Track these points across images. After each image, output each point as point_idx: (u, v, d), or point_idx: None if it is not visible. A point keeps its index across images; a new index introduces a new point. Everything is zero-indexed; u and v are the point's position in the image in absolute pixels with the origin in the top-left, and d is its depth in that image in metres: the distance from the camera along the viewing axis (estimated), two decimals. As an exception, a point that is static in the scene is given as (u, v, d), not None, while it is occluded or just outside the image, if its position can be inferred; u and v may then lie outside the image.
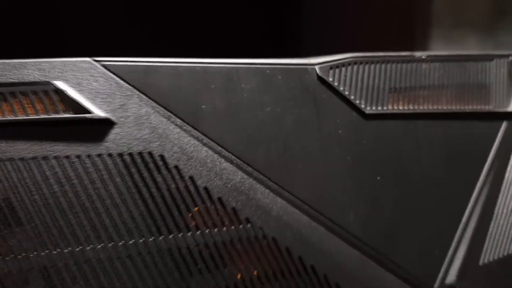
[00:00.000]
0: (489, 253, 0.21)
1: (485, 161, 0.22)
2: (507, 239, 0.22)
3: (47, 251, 0.13)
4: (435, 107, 0.21)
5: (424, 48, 0.38)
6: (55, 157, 0.14)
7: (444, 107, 0.21)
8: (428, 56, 0.21)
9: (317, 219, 0.17)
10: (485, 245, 0.21)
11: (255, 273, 0.16)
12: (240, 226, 0.16)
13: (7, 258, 0.13)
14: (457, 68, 0.22)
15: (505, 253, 0.21)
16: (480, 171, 0.21)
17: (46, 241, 0.13)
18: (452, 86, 0.22)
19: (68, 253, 0.13)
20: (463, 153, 0.21)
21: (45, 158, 0.14)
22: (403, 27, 0.40)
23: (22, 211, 0.13)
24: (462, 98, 0.22)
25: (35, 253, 0.13)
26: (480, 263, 0.21)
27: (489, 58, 0.23)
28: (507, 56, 0.23)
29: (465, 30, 0.38)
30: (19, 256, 0.13)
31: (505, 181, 0.22)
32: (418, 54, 0.21)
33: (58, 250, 0.13)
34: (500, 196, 0.22)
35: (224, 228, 0.16)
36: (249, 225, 0.16)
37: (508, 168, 0.22)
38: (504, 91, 0.23)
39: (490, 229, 0.21)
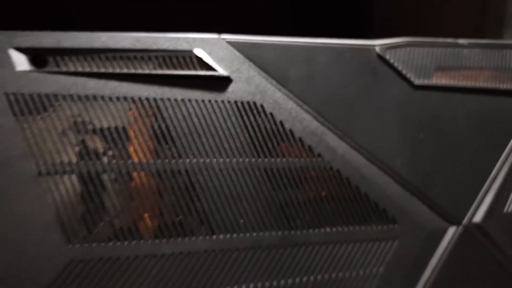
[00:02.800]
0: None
1: (516, 130, 0.27)
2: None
3: (188, 160, 0.20)
4: (472, 83, 0.26)
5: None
6: (196, 100, 0.21)
7: (481, 84, 0.26)
8: (469, 43, 0.26)
9: (371, 160, 0.23)
10: (511, 196, 0.26)
11: (323, 194, 0.22)
12: (314, 159, 0.22)
13: (165, 161, 0.20)
14: (495, 53, 0.27)
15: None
16: (510, 138, 0.26)
17: (188, 153, 0.20)
18: (489, 68, 0.27)
19: (202, 162, 0.20)
20: (494, 122, 0.26)
21: (189, 100, 0.21)
22: (475, 26, 0.44)
23: (174, 132, 0.20)
24: (497, 78, 0.27)
25: (181, 160, 0.20)
26: (505, 210, 0.26)
27: (526, 46, 0.27)
28: (542, 45, 0.28)
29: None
30: (172, 161, 0.20)
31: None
32: (461, 41, 0.26)
33: (195, 160, 0.20)
34: (528, 159, 0.27)
35: (302, 159, 0.22)
36: (320, 159, 0.22)
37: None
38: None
39: (516, 185, 0.26)
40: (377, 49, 0.24)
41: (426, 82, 0.25)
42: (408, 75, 0.24)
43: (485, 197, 0.25)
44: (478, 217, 0.25)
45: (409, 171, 0.24)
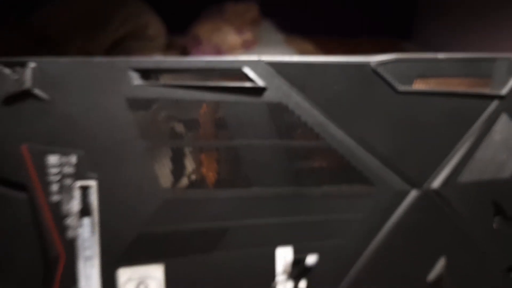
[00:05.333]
0: (465, 176, 0.36)
1: (478, 119, 0.36)
2: (477, 170, 0.36)
3: (236, 140, 0.32)
4: (445, 88, 0.35)
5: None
6: (242, 102, 0.32)
7: (453, 89, 0.35)
8: (446, 58, 0.35)
9: (360, 143, 0.34)
10: (464, 169, 0.36)
11: (325, 164, 0.34)
12: (319, 141, 0.33)
13: (222, 140, 0.32)
14: (466, 65, 0.36)
15: (474, 179, 0.36)
16: (472, 125, 0.36)
17: (236, 135, 0.32)
18: (460, 75, 0.36)
19: (245, 142, 0.32)
20: (460, 115, 0.35)
21: (239, 102, 0.32)
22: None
23: (228, 122, 0.32)
24: (466, 84, 0.36)
25: (231, 140, 0.32)
26: (457, 180, 0.36)
27: (494, 60, 0.36)
28: (508, 59, 0.36)
29: None
30: (226, 140, 0.32)
31: (489, 133, 0.36)
32: (439, 55, 0.35)
33: (241, 140, 0.32)
34: (482, 144, 0.36)
35: (311, 141, 0.33)
36: (323, 141, 0.33)
37: (496, 123, 0.36)
38: (501, 81, 0.36)
39: (469, 162, 0.36)
40: (372, 64, 0.34)
41: (407, 88, 0.34)
42: (393, 83, 0.34)
43: (443, 169, 0.36)
44: (436, 184, 0.36)
45: (387, 151, 0.34)
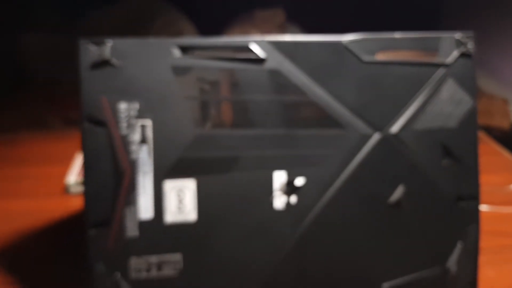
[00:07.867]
0: (419, 124, 0.48)
1: (428, 81, 0.48)
2: (429, 120, 0.48)
3: (244, 95, 0.46)
4: (402, 58, 0.48)
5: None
6: (249, 69, 0.46)
7: (407, 59, 0.48)
8: (402, 37, 0.48)
9: (335, 98, 0.47)
10: (418, 119, 0.48)
11: (309, 113, 0.47)
12: (304, 97, 0.47)
13: (234, 95, 0.46)
14: (418, 41, 0.48)
15: (426, 127, 0.48)
16: (423, 85, 0.48)
17: (245, 92, 0.46)
18: (414, 49, 0.48)
19: (250, 96, 0.46)
20: (415, 78, 0.48)
21: (246, 69, 0.46)
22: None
23: (240, 83, 0.46)
24: (420, 54, 0.48)
25: (241, 95, 0.46)
26: (412, 127, 0.48)
27: (440, 37, 0.48)
28: (451, 36, 0.48)
29: None
30: (237, 95, 0.46)
31: (437, 91, 0.48)
32: (396, 35, 0.48)
33: (247, 95, 0.46)
34: (432, 100, 0.48)
35: (299, 97, 0.47)
36: (308, 97, 0.47)
37: (443, 85, 0.48)
38: (446, 53, 0.48)
39: (422, 114, 0.48)
40: (344, 42, 0.47)
41: (370, 59, 0.47)
42: (359, 55, 0.47)
43: (400, 118, 0.48)
44: (395, 129, 0.48)
45: (356, 104, 0.47)
